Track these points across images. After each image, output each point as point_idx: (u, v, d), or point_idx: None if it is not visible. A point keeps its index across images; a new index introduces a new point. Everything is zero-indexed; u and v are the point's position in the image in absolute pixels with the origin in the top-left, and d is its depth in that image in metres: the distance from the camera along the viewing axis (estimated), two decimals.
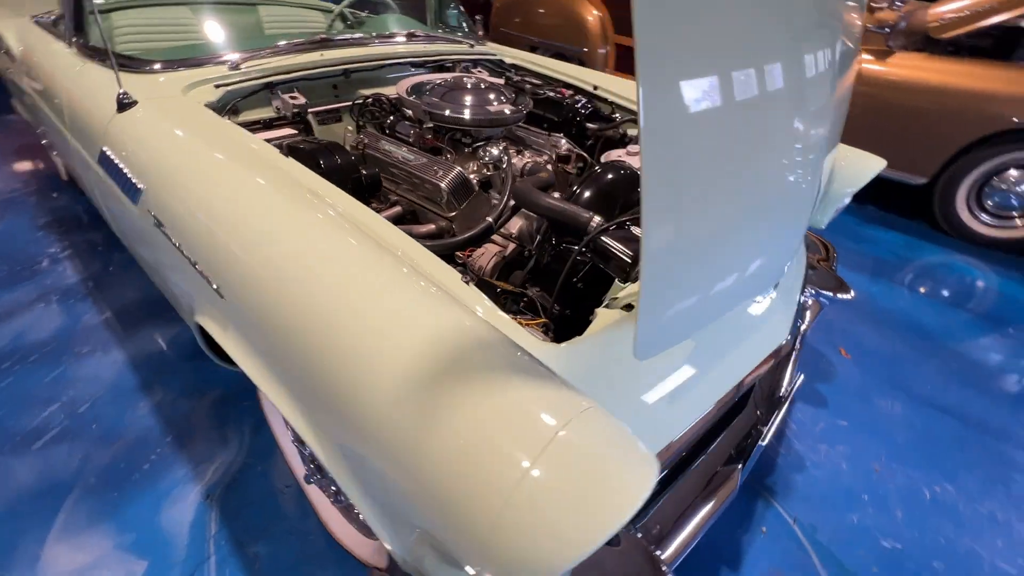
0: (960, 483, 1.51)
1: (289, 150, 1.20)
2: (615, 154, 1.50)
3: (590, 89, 1.92)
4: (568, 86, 1.94)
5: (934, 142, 2.99)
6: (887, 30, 3.11)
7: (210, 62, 1.42)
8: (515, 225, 1.44)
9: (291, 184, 0.97)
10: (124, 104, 1.18)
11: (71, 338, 1.79)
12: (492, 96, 1.47)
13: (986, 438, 1.67)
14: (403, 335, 0.68)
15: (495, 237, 1.36)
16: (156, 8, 2.08)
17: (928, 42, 3.08)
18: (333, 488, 1.10)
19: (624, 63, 4.14)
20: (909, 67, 3.02)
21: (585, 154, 1.64)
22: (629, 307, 0.93)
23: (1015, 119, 2.73)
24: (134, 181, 1.09)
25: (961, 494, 1.48)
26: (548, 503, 0.52)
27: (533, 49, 4.57)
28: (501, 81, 1.86)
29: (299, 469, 1.28)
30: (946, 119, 2.93)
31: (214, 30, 2.02)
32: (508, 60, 2.16)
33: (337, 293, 0.75)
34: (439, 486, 0.57)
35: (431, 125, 1.46)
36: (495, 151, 1.38)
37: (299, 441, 1.14)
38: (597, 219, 1.15)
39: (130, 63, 1.38)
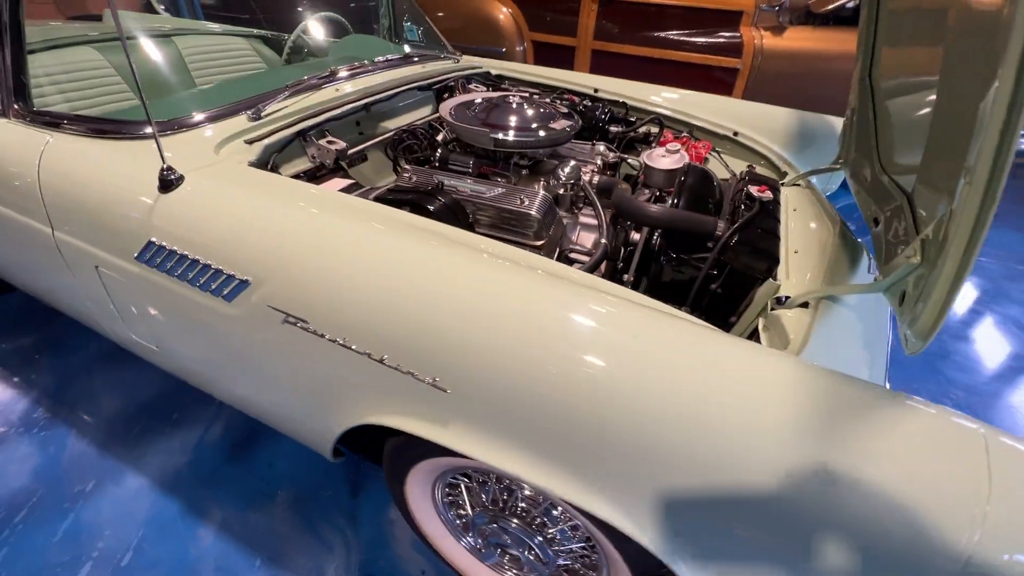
0: None
1: (393, 201, 1.07)
2: (656, 153, 1.53)
3: (591, 92, 1.93)
4: (570, 92, 1.93)
5: (832, 96, 3.47)
6: (777, 8, 3.53)
7: (230, 114, 1.18)
8: (587, 240, 1.41)
9: (435, 236, 0.86)
10: (170, 181, 0.94)
11: (60, 477, 1.42)
12: (545, 112, 1.41)
13: None
14: (732, 384, 0.63)
15: (573, 256, 1.33)
16: (59, 51, 1.69)
17: (809, 16, 3.55)
18: None
19: (542, 59, 4.20)
20: (800, 39, 3.47)
21: (629, 158, 1.65)
22: (805, 304, 0.95)
23: None
24: (230, 273, 0.88)
25: None
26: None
27: None
28: (525, 95, 1.80)
29: (451, 551, 1.15)
30: (835, 78, 3.42)
31: (157, 72, 1.69)
32: (495, 71, 2.09)
33: (603, 349, 0.68)
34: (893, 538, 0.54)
35: (491, 150, 1.37)
36: (567, 169, 1.33)
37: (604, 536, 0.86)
38: (721, 223, 1.17)
39: (126, 127, 1.10)
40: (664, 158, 1.45)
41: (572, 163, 1.34)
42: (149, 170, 0.98)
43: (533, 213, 1.19)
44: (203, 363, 1.14)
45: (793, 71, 3.48)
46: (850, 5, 3.51)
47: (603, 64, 4.01)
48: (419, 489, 1.06)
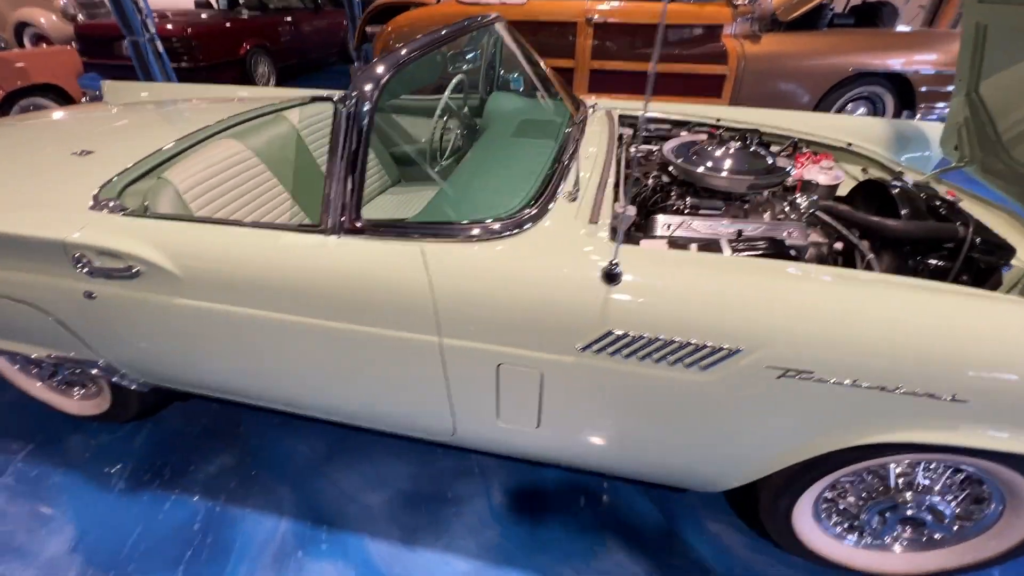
0: None
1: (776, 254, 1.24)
2: (812, 170, 1.80)
3: (713, 122, 2.18)
4: (700, 124, 2.16)
5: (806, 90, 4.05)
6: (750, 19, 4.03)
7: (549, 196, 1.25)
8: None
9: (852, 278, 1.04)
10: (616, 274, 1.02)
11: None
12: (758, 151, 1.63)
13: None
14: None
15: None
16: (203, 148, 1.64)
17: (775, 23, 4.10)
18: None
19: None
20: (774, 44, 4.00)
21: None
22: None
23: (851, 68, 3.90)
24: (713, 346, 0.99)
25: None
26: None
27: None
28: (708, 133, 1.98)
29: (835, 551, 1.34)
30: (804, 74, 3.99)
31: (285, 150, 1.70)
32: (616, 111, 2.26)
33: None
34: None
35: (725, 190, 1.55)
36: (805, 199, 1.55)
37: None
38: (960, 227, 1.46)
39: (503, 225, 1.14)
40: (822, 174, 1.74)
41: (810, 196, 1.57)
42: (573, 265, 1.07)
43: (799, 242, 1.41)
44: (614, 433, 1.19)
45: (772, 72, 4.01)
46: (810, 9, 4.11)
47: (602, 82, 4.30)
48: (805, 514, 1.25)
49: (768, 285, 1.01)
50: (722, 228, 1.44)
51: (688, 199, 1.58)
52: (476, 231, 1.14)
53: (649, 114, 2.24)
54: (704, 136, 1.93)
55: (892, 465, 1.17)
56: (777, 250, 1.27)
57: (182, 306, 1.28)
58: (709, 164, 1.57)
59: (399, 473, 1.68)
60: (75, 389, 1.80)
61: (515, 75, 2.48)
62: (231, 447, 1.77)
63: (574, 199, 1.29)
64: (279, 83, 6.48)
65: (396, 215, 2.24)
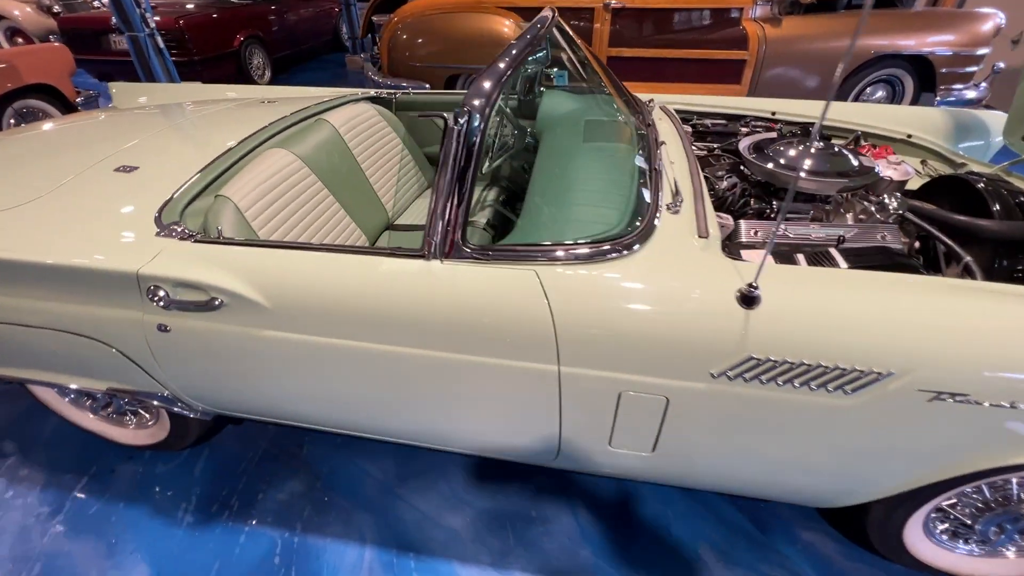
0: None
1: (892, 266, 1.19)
2: (881, 165, 1.76)
3: (769, 115, 2.12)
4: (757, 119, 2.09)
5: (826, 71, 4.00)
6: (770, 1, 3.95)
7: (645, 209, 1.19)
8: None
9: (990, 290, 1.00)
10: (754, 297, 0.97)
11: None
12: (840, 149, 1.58)
13: None
14: None
15: None
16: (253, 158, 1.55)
17: (794, 5, 4.03)
18: None
19: None
20: (795, 26, 3.94)
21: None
22: None
23: (872, 51, 3.85)
24: (860, 369, 0.95)
25: None
26: None
27: (454, 78, 4.35)
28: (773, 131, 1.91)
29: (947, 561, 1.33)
30: (826, 57, 3.94)
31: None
32: (661, 105, 2.18)
33: None
34: None
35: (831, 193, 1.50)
36: (895, 200, 1.51)
37: None
38: None
39: (614, 245, 1.08)
40: (891, 170, 1.70)
41: (897, 195, 1.53)
42: (703, 287, 1.01)
43: (897, 247, 1.37)
44: (738, 455, 1.15)
45: (792, 56, 3.94)
46: None
47: (619, 69, 4.20)
48: (916, 525, 1.24)
49: (911, 302, 0.97)
50: (815, 233, 1.39)
51: (775, 203, 1.52)
52: (588, 251, 1.08)
53: (703, 108, 2.17)
54: (774, 133, 1.88)
55: (1015, 479, 1.15)
56: (890, 260, 1.23)
57: (270, 338, 1.20)
58: (791, 164, 1.52)
59: (476, 491, 1.63)
60: (128, 418, 1.71)
61: (556, 70, 2.39)
62: (297, 472, 1.70)
63: (676, 211, 1.23)
64: (274, 76, 6.25)
65: None
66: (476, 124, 1.00)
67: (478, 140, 1.01)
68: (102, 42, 5.01)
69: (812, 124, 2.00)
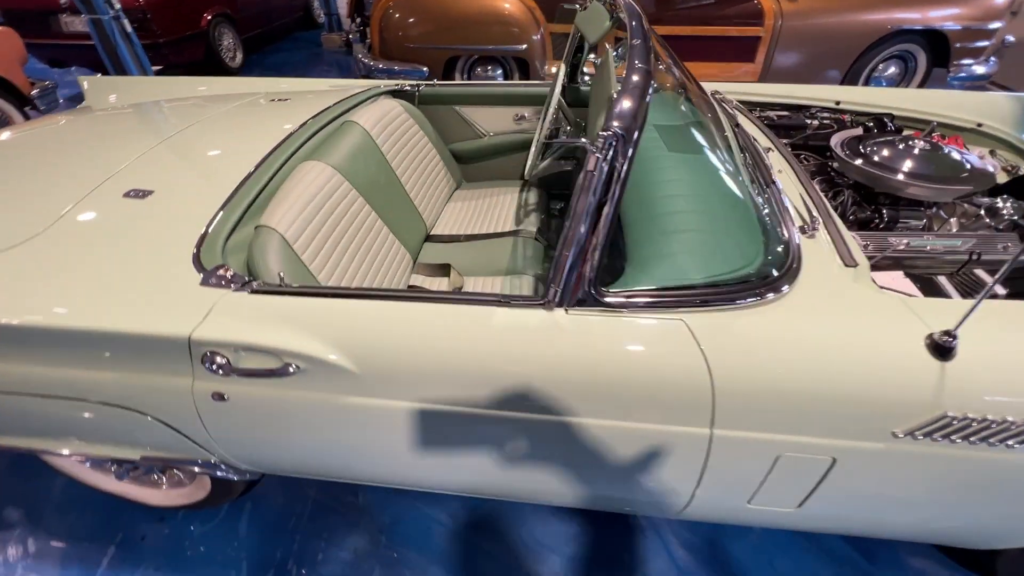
0: None
1: None
2: None
3: (833, 105, 1.97)
4: (822, 108, 1.95)
5: (841, 50, 3.88)
6: None
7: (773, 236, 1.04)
8: None
9: None
10: (949, 348, 0.84)
11: None
12: (947, 149, 1.45)
13: None
14: None
15: None
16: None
17: None
18: None
19: (562, 50, 4.02)
20: (811, 1, 3.79)
21: None
22: None
23: (889, 26, 3.75)
24: None
25: None
26: None
27: (454, 60, 4.05)
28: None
29: None
30: (844, 33, 3.82)
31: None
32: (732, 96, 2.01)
33: None
34: None
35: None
36: (1009, 205, 1.39)
37: None
38: None
39: (751, 287, 0.92)
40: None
41: (1007, 197, 1.41)
42: (880, 333, 0.87)
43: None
44: (901, 509, 1.03)
45: (808, 32, 3.80)
46: None
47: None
48: None
49: None
50: (932, 245, 1.27)
51: (885, 211, 1.39)
52: (735, 294, 0.93)
53: (752, 97, 2.01)
54: (860, 128, 1.74)
55: None
56: None
57: (355, 404, 1.01)
58: (902, 167, 1.38)
59: (558, 535, 1.50)
60: (159, 477, 1.49)
61: (613, 52, 2.18)
62: (356, 524, 1.53)
63: (811, 236, 1.08)
64: (245, 57, 5.77)
65: (480, 227, 1.96)
66: (622, 154, 0.81)
67: (623, 172, 0.82)
68: (51, 24, 4.48)
69: (885, 115, 1.87)
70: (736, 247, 1.02)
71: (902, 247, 1.25)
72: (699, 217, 1.10)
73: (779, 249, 1.01)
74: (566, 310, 0.94)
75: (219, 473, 1.28)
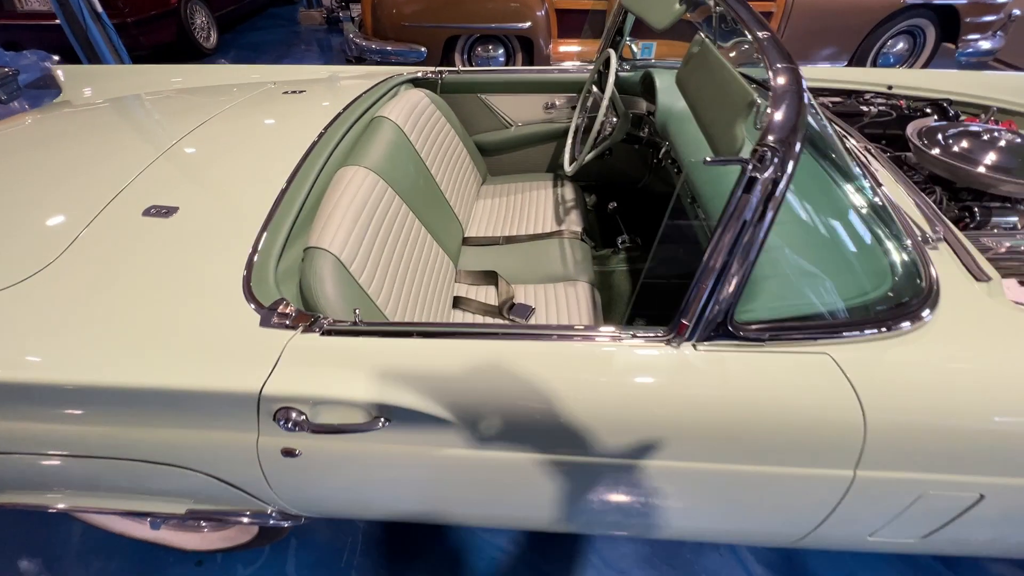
0: None
1: None
2: None
3: (884, 90, 1.87)
4: (875, 93, 1.85)
5: (853, 26, 3.79)
6: None
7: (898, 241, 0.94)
8: None
9: None
10: None
11: None
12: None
13: None
14: None
15: None
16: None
17: None
18: None
19: (568, 27, 3.83)
20: None
21: None
22: None
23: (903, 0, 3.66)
24: None
25: None
26: None
27: (454, 39, 3.82)
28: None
29: None
30: (859, 9, 3.72)
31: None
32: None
33: None
34: None
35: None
36: None
37: None
38: None
39: (887, 315, 0.83)
40: None
41: None
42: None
43: None
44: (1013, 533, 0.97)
45: (821, 6, 3.69)
46: None
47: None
48: None
49: None
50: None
51: (977, 209, 1.31)
52: (877, 323, 0.83)
53: (815, 84, 1.90)
54: (933, 118, 1.64)
55: None
56: None
57: (450, 455, 0.89)
58: (999, 162, 1.30)
59: (626, 555, 1.43)
60: (201, 523, 1.36)
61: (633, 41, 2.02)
62: (416, 557, 1.43)
63: (934, 248, 0.99)
64: (220, 37, 5.38)
65: (518, 227, 1.83)
66: (782, 170, 0.70)
67: (782, 192, 0.71)
68: (3, 2, 4.06)
69: (943, 100, 1.78)
70: (866, 267, 0.92)
71: (1003, 250, 1.17)
72: (823, 234, 1.00)
73: (912, 267, 0.92)
74: (694, 345, 0.83)
75: (272, 522, 1.15)
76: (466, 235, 1.83)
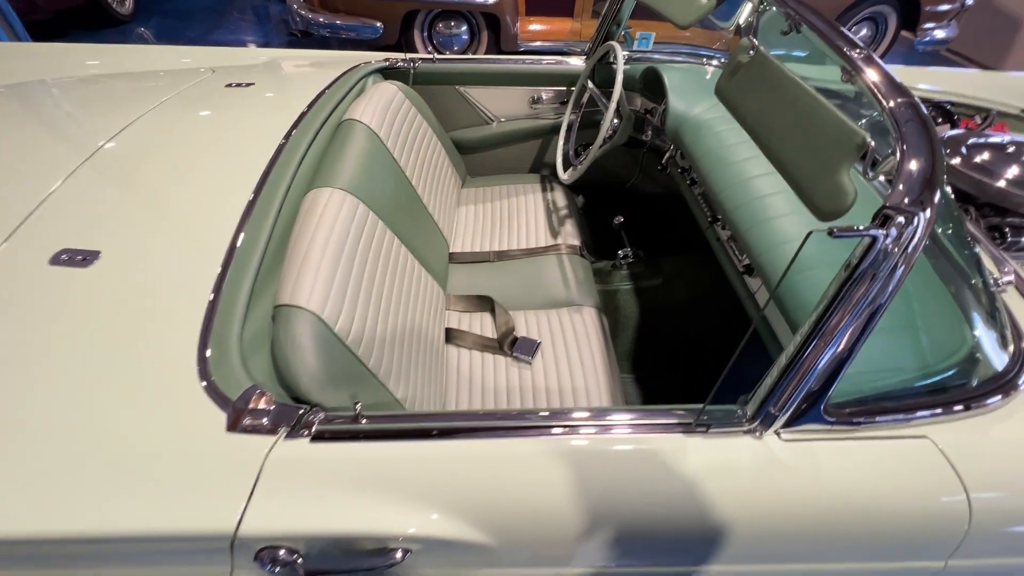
0: None
1: None
2: None
3: None
4: None
5: (823, 7, 3.75)
6: None
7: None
8: None
9: None
10: None
11: None
12: None
13: None
14: None
15: None
16: None
17: None
18: None
19: (537, 7, 3.57)
20: None
21: None
22: None
23: None
24: None
25: None
26: None
27: (412, 14, 3.48)
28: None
29: None
30: None
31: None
32: None
33: None
34: None
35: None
36: None
37: None
38: None
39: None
40: None
41: None
42: None
43: None
44: None
45: None
46: None
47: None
48: None
49: None
50: None
51: (1008, 229, 1.24)
52: (976, 397, 0.73)
53: None
54: (948, 125, 1.57)
55: None
56: None
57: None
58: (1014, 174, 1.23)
59: None
60: None
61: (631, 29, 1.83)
62: None
63: (1003, 291, 0.90)
64: (137, 4, 4.72)
65: (508, 240, 1.65)
66: (919, 236, 0.55)
67: (911, 264, 0.57)
68: None
69: (946, 102, 1.72)
70: (945, 324, 0.81)
71: None
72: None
73: (994, 320, 0.82)
74: (778, 433, 0.69)
75: None
76: (451, 251, 1.63)
